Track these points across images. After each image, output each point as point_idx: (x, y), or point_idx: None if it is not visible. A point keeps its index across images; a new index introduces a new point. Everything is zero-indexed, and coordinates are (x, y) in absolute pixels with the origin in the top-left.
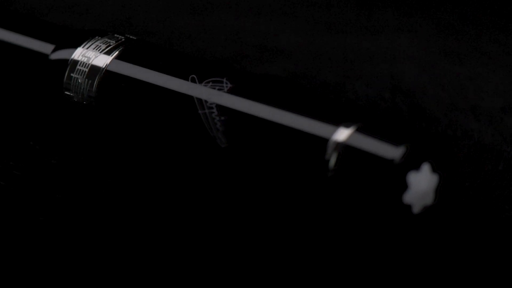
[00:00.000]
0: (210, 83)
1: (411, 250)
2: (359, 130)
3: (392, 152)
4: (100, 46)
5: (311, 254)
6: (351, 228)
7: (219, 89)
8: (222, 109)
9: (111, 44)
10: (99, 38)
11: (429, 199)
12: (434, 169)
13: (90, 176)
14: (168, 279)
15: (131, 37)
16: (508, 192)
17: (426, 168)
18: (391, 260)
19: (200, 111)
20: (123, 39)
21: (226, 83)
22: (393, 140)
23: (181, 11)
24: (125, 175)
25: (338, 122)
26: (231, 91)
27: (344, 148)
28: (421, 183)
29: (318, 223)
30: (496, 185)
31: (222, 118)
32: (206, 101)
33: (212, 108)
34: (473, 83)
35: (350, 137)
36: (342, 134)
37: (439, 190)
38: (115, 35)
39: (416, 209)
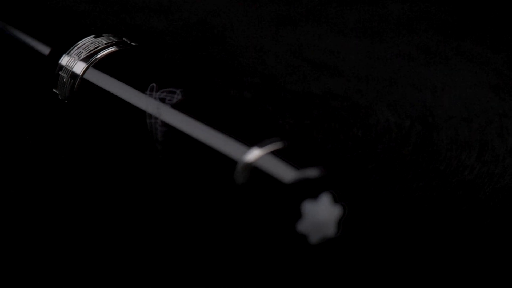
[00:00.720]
0: (164, 93)
1: (306, 279)
2: (271, 152)
3: (288, 177)
4: (89, 47)
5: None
6: (249, 249)
7: (169, 100)
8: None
9: (100, 46)
10: (93, 38)
11: (329, 231)
12: (336, 200)
13: (50, 173)
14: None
15: (125, 40)
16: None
17: (325, 198)
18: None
19: (147, 120)
20: (113, 43)
21: (178, 95)
22: (296, 166)
23: (263, 22)
24: (77, 174)
25: (255, 142)
26: (176, 104)
27: (251, 169)
28: (318, 213)
29: (220, 241)
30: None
31: (163, 129)
32: (149, 113)
33: (157, 118)
34: (503, 120)
35: (258, 158)
36: (252, 155)
37: (343, 223)
38: (110, 36)
39: (313, 239)
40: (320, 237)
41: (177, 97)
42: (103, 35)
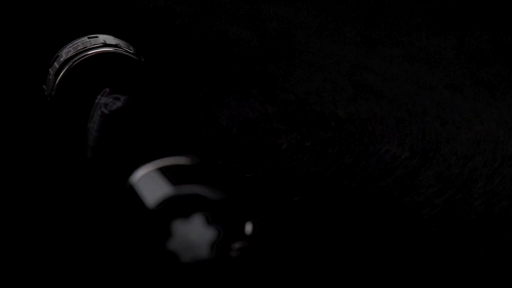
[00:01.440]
0: (110, 99)
1: None
2: (157, 168)
3: (160, 195)
4: (78, 46)
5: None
6: (123, 261)
7: (110, 106)
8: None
9: (88, 46)
10: (88, 38)
11: (201, 252)
12: (210, 222)
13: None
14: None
15: (119, 43)
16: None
17: (198, 219)
18: None
19: (88, 124)
20: (102, 45)
21: (120, 102)
22: (174, 184)
23: (337, 41)
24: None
25: (151, 158)
26: (114, 110)
27: (133, 185)
28: (188, 233)
29: (97, 253)
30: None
31: (96, 134)
32: (92, 116)
33: (95, 123)
34: (504, 162)
35: (143, 175)
36: (139, 170)
37: (219, 245)
38: (106, 38)
39: (185, 258)
40: (192, 257)
41: (118, 104)
42: (99, 35)
